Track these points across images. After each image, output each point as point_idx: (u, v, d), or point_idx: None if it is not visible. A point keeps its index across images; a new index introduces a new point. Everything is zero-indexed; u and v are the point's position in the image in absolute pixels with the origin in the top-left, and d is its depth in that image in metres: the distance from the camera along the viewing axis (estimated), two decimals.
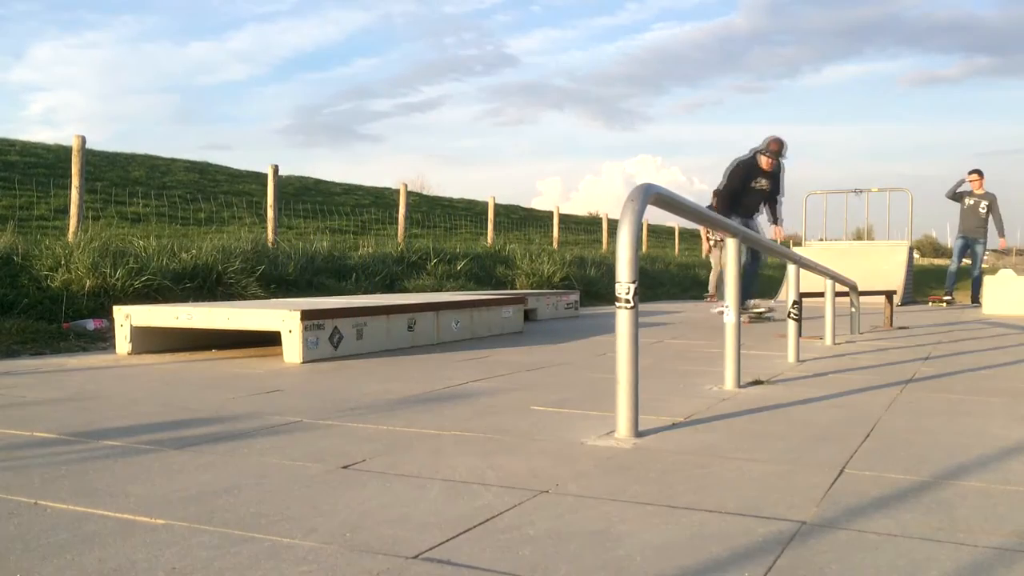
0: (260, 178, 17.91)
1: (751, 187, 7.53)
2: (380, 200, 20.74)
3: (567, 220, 22.51)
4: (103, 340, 4.91)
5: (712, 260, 12.70)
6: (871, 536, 1.52)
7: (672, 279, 15.05)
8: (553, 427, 2.54)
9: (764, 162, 7.52)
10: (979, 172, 11.58)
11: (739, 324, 3.27)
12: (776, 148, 7.50)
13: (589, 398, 3.08)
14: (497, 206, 14.35)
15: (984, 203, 11.49)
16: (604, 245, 17.58)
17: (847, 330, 6.21)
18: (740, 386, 3.34)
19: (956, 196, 11.72)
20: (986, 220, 11.52)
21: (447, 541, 1.47)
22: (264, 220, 9.54)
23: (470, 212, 19.09)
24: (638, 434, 2.36)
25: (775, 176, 7.66)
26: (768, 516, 1.63)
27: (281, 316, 4.15)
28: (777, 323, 7.07)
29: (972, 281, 11.83)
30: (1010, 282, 9.72)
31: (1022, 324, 7.62)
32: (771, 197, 7.72)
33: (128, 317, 4.45)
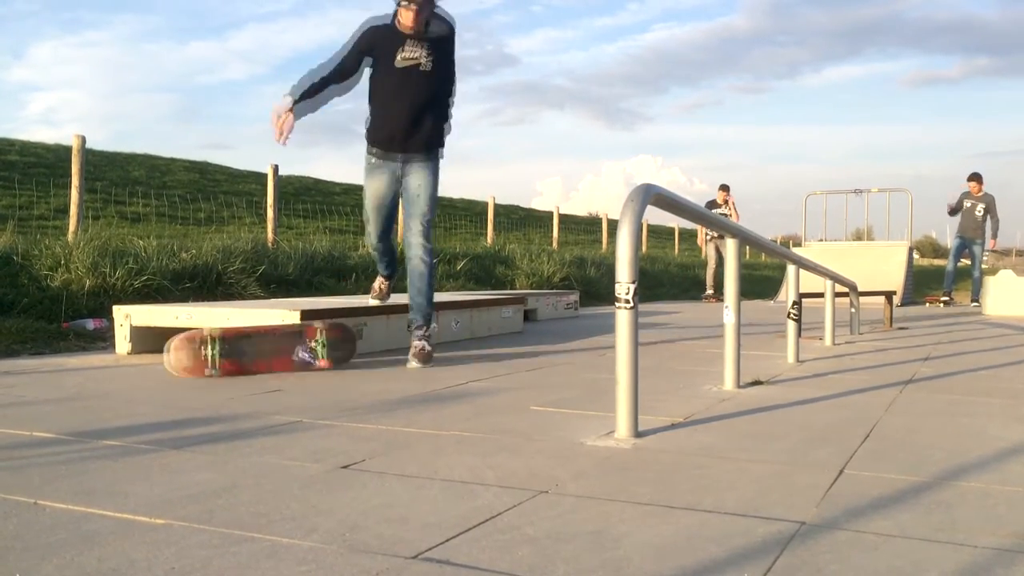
0: (260, 178, 17.90)
1: (392, 66, 3.97)
2: None
3: (567, 220, 22.51)
4: (103, 340, 4.91)
5: (709, 257, 12.76)
6: (870, 537, 1.52)
7: (672, 279, 15.05)
8: (552, 427, 2.53)
9: (406, 17, 3.87)
10: (977, 178, 11.58)
11: (739, 325, 3.27)
12: None
13: (589, 398, 3.08)
14: (497, 206, 14.36)
15: (981, 205, 11.50)
16: (604, 245, 17.58)
17: (847, 330, 6.21)
18: (740, 386, 3.33)
19: (957, 205, 11.74)
20: (983, 221, 11.53)
21: (446, 541, 1.47)
22: (264, 220, 9.54)
23: (470, 212, 19.07)
24: (637, 434, 2.36)
25: (438, 48, 4.01)
26: (767, 516, 1.63)
27: (281, 316, 4.15)
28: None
29: (972, 282, 11.84)
30: (1010, 283, 9.72)
31: (1022, 325, 7.62)
32: (438, 87, 4.10)
33: (128, 317, 4.45)
